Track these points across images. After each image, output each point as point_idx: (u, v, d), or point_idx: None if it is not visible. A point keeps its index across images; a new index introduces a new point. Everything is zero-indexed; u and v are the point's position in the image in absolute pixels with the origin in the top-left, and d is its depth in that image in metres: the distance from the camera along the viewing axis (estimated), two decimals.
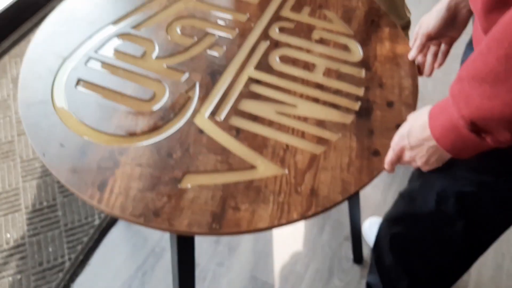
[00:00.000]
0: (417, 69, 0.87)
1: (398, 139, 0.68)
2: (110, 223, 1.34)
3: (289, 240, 1.33)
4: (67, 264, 1.27)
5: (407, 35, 1.34)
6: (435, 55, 0.87)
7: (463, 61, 0.79)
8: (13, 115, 1.56)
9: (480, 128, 0.56)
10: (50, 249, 1.29)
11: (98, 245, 1.31)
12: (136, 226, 1.32)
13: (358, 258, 1.29)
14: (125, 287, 1.24)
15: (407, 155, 0.67)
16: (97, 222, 1.33)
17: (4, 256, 1.27)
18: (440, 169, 0.70)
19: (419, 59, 0.86)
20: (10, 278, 1.24)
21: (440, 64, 0.88)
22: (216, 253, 1.30)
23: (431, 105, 0.63)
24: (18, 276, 1.24)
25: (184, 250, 0.83)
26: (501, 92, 0.50)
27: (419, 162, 0.66)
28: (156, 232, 1.31)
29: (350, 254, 1.31)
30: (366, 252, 1.30)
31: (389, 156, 0.70)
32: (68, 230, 1.33)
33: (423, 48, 0.86)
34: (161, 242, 1.31)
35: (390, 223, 0.93)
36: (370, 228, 1.32)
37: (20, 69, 0.84)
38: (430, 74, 0.87)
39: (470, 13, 0.79)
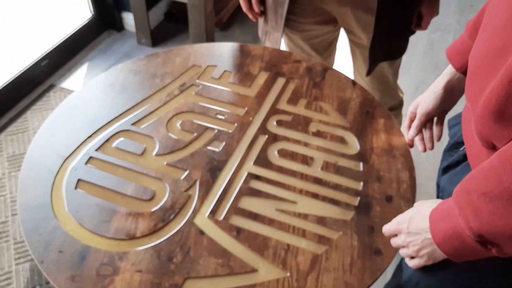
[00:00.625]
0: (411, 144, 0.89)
1: (399, 221, 0.69)
2: None
3: None
4: None
5: (399, 114, 1.37)
6: (431, 137, 0.89)
7: (441, 168, 0.79)
8: (8, 194, 1.55)
9: (488, 240, 0.56)
10: None
11: None
12: None
13: None
14: None
15: (401, 238, 0.68)
16: None
17: None
18: (426, 268, 0.70)
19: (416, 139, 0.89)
20: None
21: (440, 137, 0.89)
22: None
23: (435, 201, 0.64)
24: None
25: None
26: None
27: (411, 250, 0.67)
28: None
29: None
30: None
31: (387, 228, 0.72)
32: None
33: (421, 127, 0.88)
34: None
35: None
36: None
37: (15, 147, 0.84)
38: (432, 147, 0.90)
39: (463, 91, 0.81)
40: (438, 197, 0.82)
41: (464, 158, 0.70)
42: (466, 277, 0.68)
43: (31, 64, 1.85)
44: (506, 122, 0.54)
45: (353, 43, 1.18)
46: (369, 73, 1.10)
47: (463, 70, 0.79)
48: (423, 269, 0.70)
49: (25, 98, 1.84)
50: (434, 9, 1.07)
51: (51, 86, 1.90)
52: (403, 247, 0.68)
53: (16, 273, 1.37)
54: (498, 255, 0.57)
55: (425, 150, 0.90)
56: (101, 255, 0.72)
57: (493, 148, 0.59)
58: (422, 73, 2.01)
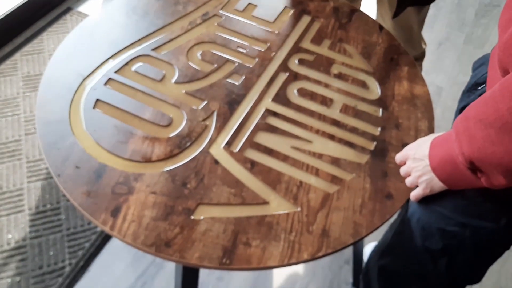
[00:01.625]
0: None
1: (409, 147, 0.73)
2: None
3: None
4: (67, 269, 1.27)
5: (420, 65, 1.35)
6: None
7: (458, 109, 0.80)
8: (22, 114, 1.56)
9: (477, 168, 0.58)
10: (51, 253, 1.29)
11: (99, 251, 1.31)
12: None
13: (357, 282, 1.29)
14: None
15: (407, 164, 0.72)
16: (99, 228, 1.33)
17: (4, 257, 1.28)
18: (427, 205, 0.74)
19: None
20: (9, 280, 1.24)
21: None
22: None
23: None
24: (17, 278, 1.24)
25: (189, 279, 0.84)
26: (505, 140, 0.52)
27: (412, 176, 0.71)
28: None
29: (349, 278, 1.31)
30: None
31: (398, 156, 0.77)
32: (70, 235, 1.33)
33: None
34: None
35: (378, 254, 0.95)
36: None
37: (37, 67, 0.84)
38: None
39: None
40: None
41: None
42: (463, 216, 0.71)
43: None
44: None
45: None
46: (395, 15, 1.06)
47: None
48: (424, 206, 0.74)
49: (42, 20, 1.81)
50: None
51: (68, 9, 1.86)
52: (408, 173, 0.72)
53: (28, 191, 1.41)
54: (486, 185, 0.59)
55: None
56: (117, 174, 0.73)
57: None
58: (446, 29, 1.95)
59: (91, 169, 0.74)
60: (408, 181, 0.73)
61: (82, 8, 1.88)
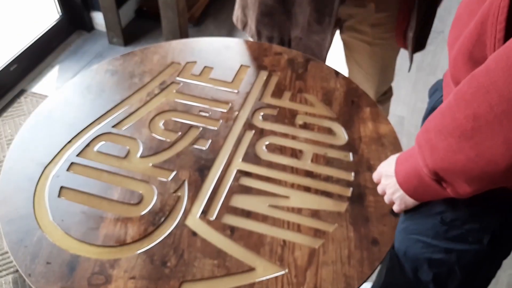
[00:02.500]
0: None
1: (382, 165, 0.76)
2: None
3: None
4: None
5: (390, 98, 1.38)
6: None
7: (428, 110, 0.82)
8: None
9: (442, 178, 0.59)
10: None
11: None
12: None
13: None
14: None
15: (382, 181, 0.74)
16: None
17: None
18: (410, 236, 0.75)
19: None
20: None
21: None
22: None
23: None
24: None
25: None
26: (466, 148, 0.53)
27: (387, 193, 0.72)
28: None
29: None
30: None
31: (374, 174, 0.79)
32: None
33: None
34: None
35: None
36: None
37: None
38: None
39: None
40: None
41: None
42: (446, 241, 0.71)
43: (0, 69, 1.78)
44: (474, 63, 0.56)
45: (361, 41, 1.15)
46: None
47: None
48: (408, 237, 0.75)
49: None
50: None
51: (22, 91, 1.83)
52: (384, 190, 0.73)
53: None
54: (452, 195, 0.60)
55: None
56: (92, 264, 0.69)
57: None
58: (397, 60, 2.02)
59: (63, 263, 0.69)
60: (385, 199, 0.74)
61: (36, 89, 1.85)
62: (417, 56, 2.06)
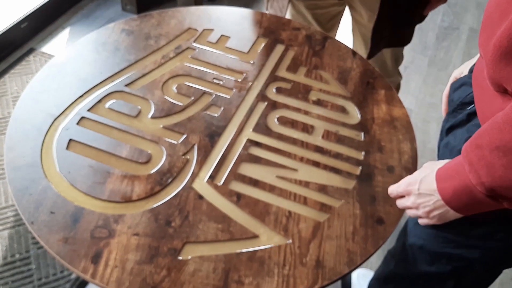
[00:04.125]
0: None
1: (409, 182, 0.68)
2: None
3: None
4: None
5: None
6: None
7: (445, 129, 0.78)
8: None
9: (500, 195, 0.56)
10: None
11: None
12: None
13: None
14: None
15: (410, 200, 0.68)
16: (73, 276, 1.26)
17: None
18: (430, 231, 0.72)
19: None
20: None
21: None
22: None
23: (446, 161, 0.64)
24: None
25: None
26: None
27: (420, 211, 0.67)
28: None
29: None
30: None
31: (394, 189, 0.71)
32: (42, 285, 1.25)
33: None
34: None
35: (380, 282, 0.93)
36: (358, 280, 1.30)
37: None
38: None
39: None
40: (438, 158, 0.82)
41: (468, 118, 0.70)
42: (470, 238, 0.69)
43: (10, 26, 1.76)
44: None
45: (355, 21, 1.16)
46: (369, 57, 1.07)
47: None
48: (427, 232, 0.71)
49: (4, 62, 1.75)
50: None
51: (31, 50, 1.82)
52: (411, 208, 0.68)
53: None
54: (509, 207, 0.58)
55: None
56: (96, 217, 0.69)
57: (504, 92, 0.59)
58: (410, 53, 2.00)
59: (67, 214, 0.69)
60: (413, 214, 0.69)
61: (45, 49, 1.84)
62: (430, 50, 2.05)
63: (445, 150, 0.74)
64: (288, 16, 1.17)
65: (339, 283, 1.29)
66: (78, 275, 1.23)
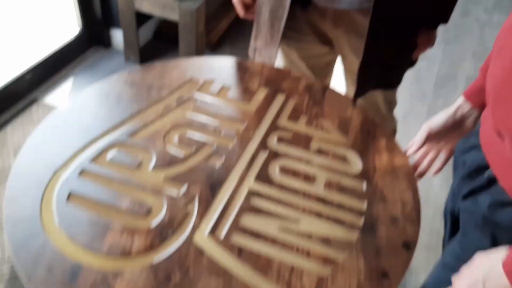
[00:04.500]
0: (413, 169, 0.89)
1: (471, 282, 0.63)
2: None
3: None
4: None
5: None
6: (432, 161, 0.89)
7: (462, 195, 0.76)
8: None
9: None
10: None
11: None
12: None
13: None
14: None
15: None
16: None
17: None
18: None
19: (417, 156, 0.88)
20: None
21: (438, 170, 0.89)
22: None
23: (503, 251, 0.61)
24: None
25: None
26: None
27: None
28: None
29: None
30: None
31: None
32: None
33: (422, 146, 0.88)
34: None
35: None
36: None
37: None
38: (422, 176, 0.91)
39: (474, 125, 0.81)
40: (454, 222, 0.81)
41: (489, 183, 0.69)
42: None
43: (16, 78, 1.79)
44: None
45: (346, 68, 1.18)
46: (355, 97, 1.06)
47: (482, 107, 0.80)
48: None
49: (6, 112, 1.77)
50: (430, 40, 1.07)
51: (34, 101, 1.84)
52: None
53: None
54: None
55: (424, 172, 0.90)
56: (94, 274, 0.68)
57: None
58: (409, 101, 2.03)
59: (65, 271, 0.68)
60: None
61: (48, 100, 1.86)
62: (428, 98, 2.07)
63: (467, 215, 0.73)
64: (281, 65, 1.19)
65: None
66: None
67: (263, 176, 0.84)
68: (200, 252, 0.71)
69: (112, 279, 0.67)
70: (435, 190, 1.67)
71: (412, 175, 0.86)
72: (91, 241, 0.72)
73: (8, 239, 0.71)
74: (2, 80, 1.75)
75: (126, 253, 0.70)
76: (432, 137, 0.87)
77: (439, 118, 0.85)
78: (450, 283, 0.69)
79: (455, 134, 0.86)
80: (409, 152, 0.90)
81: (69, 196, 0.77)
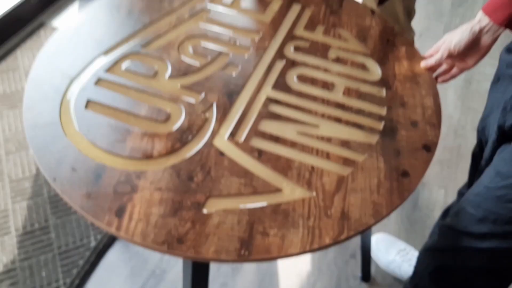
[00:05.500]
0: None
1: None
2: (107, 244, 1.28)
3: (293, 260, 1.29)
4: None
5: None
6: (444, 73, 0.88)
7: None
8: (0, 133, 1.48)
9: None
10: (44, 274, 1.22)
11: (95, 268, 1.25)
12: (134, 246, 1.27)
13: (366, 276, 1.26)
14: None
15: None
16: (93, 244, 1.27)
17: None
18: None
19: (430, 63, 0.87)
20: None
21: (444, 81, 0.88)
22: (220, 273, 1.25)
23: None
24: None
25: (199, 276, 0.79)
26: None
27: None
28: (155, 253, 1.25)
29: (356, 272, 1.27)
30: (373, 270, 1.28)
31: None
32: (62, 253, 1.26)
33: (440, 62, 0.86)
34: (162, 263, 1.26)
35: (433, 253, 0.90)
36: (377, 245, 1.29)
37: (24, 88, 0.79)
38: (442, 81, 0.90)
39: (492, 43, 0.78)
40: (498, 137, 0.81)
41: None
42: None
43: (22, 1, 1.75)
44: None
45: None
46: (380, 2, 1.03)
47: (504, 24, 0.77)
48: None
49: (15, 37, 1.75)
50: None
51: (41, 25, 1.81)
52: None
53: (13, 212, 1.33)
54: None
55: (437, 80, 0.89)
56: (118, 174, 0.69)
57: None
58: (425, 20, 1.98)
59: (89, 170, 0.69)
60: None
61: (55, 23, 1.82)
62: (445, 17, 2.01)
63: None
64: None
65: (356, 251, 1.29)
66: (96, 242, 1.24)
67: (281, 84, 0.83)
68: (220, 154, 0.72)
69: (136, 178, 0.68)
70: (450, 108, 1.65)
71: (433, 81, 0.85)
72: (112, 145, 0.72)
73: (29, 143, 0.71)
74: (9, 4, 1.71)
75: (147, 156, 0.71)
76: (449, 54, 0.84)
77: (458, 39, 0.81)
78: (505, 190, 0.72)
79: (471, 52, 0.83)
80: (426, 64, 0.87)
81: (87, 103, 0.77)
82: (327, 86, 0.83)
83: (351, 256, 1.30)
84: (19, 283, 1.20)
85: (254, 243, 0.63)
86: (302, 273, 1.27)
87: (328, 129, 0.77)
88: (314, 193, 0.68)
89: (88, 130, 0.74)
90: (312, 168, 0.71)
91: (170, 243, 0.62)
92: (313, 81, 0.83)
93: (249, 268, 1.27)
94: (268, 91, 0.81)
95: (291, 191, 0.68)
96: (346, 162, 0.72)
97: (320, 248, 0.63)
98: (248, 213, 0.66)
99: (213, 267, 1.25)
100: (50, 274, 1.22)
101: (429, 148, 0.74)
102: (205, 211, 0.65)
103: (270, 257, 0.62)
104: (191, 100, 0.79)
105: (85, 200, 0.65)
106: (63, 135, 0.73)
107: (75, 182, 0.67)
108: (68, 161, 0.69)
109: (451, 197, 1.40)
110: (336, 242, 0.64)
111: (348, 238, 0.64)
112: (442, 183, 1.47)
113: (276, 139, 0.75)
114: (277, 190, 0.69)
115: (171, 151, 0.72)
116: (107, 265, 1.25)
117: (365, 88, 0.83)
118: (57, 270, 1.22)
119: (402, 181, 0.70)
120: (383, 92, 0.82)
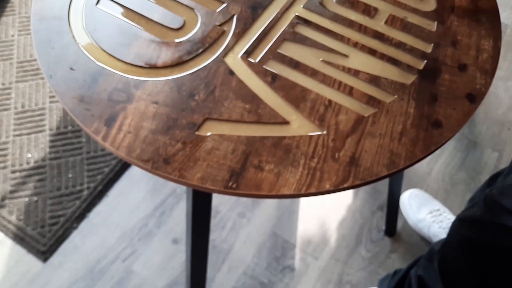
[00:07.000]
0: None
1: None
2: None
3: (317, 200, 1.24)
4: (85, 193, 1.23)
5: None
6: None
7: None
8: None
9: None
10: (70, 175, 1.25)
11: (119, 178, 1.26)
12: None
13: (390, 230, 1.19)
14: (140, 224, 1.19)
15: None
16: None
17: (23, 176, 1.24)
18: None
19: None
20: (27, 199, 1.21)
21: None
22: (239, 203, 1.23)
23: None
24: (35, 198, 1.21)
25: (200, 203, 0.75)
26: None
27: None
28: None
29: (381, 225, 1.20)
30: (400, 226, 1.20)
31: None
32: (90, 158, 1.27)
33: None
34: None
35: (470, 224, 0.80)
36: (409, 200, 1.20)
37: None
38: None
39: None
40: None
41: None
42: None
43: None
44: None
45: None
46: None
47: None
48: None
49: None
50: None
51: None
52: None
53: (49, 111, 1.35)
54: None
55: None
56: (116, 80, 0.63)
57: None
58: None
59: (87, 72, 0.64)
60: None
61: None
62: None
63: None
64: None
65: (385, 203, 1.20)
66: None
67: (315, 3, 0.72)
68: (230, 73, 0.64)
69: (133, 87, 0.63)
70: None
71: (498, 21, 0.71)
72: (116, 47, 0.66)
73: (33, 36, 0.67)
74: None
75: (151, 65, 0.65)
76: None
77: None
78: None
79: None
80: None
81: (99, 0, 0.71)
82: (369, 11, 0.71)
83: (379, 207, 1.23)
84: (46, 180, 1.24)
85: (245, 175, 0.56)
86: (324, 217, 1.22)
87: (358, 61, 0.66)
88: (325, 131, 0.60)
89: (94, 29, 0.68)
90: (329, 102, 0.62)
91: (155, 162, 0.57)
92: (353, 4, 0.72)
93: (270, 202, 1.23)
94: (299, 9, 0.71)
95: (299, 126, 0.61)
96: (371, 101, 0.63)
97: (318, 193, 0.56)
98: (246, 142, 0.59)
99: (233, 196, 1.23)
100: (76, 177, 1.24)
101: (473, 98, 0.62)
102: (199, 133, 0.59)
103: (259, 194, 0.56)
104: (210, 9, 0.70)
105: (76, 103, 0.61)
106: (68, 32, 0.68)
107: (71, 83, 0.63)
108: (67, 59, 0.65)
109: (504, 163, 1.26)
110: (337, 189, 0.56)
111: (353, 187, 0.57)
112: (498, 146, 1.32)
113: (295, 64, 0.66)
114: (284, 122, 0.61)
115: (177, 63, 0.65)
116: (131, 177, 1.26)
117: (413, 19, 0.70)
118: (83, 174, 1.25)
119: (431, 131, 0.60)
120: (434, 26, 0.69)
